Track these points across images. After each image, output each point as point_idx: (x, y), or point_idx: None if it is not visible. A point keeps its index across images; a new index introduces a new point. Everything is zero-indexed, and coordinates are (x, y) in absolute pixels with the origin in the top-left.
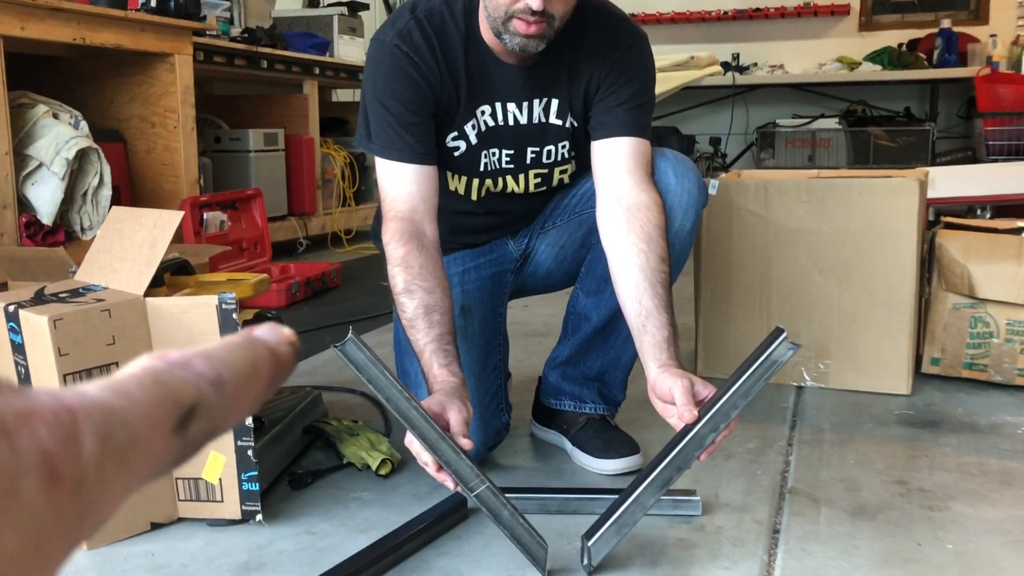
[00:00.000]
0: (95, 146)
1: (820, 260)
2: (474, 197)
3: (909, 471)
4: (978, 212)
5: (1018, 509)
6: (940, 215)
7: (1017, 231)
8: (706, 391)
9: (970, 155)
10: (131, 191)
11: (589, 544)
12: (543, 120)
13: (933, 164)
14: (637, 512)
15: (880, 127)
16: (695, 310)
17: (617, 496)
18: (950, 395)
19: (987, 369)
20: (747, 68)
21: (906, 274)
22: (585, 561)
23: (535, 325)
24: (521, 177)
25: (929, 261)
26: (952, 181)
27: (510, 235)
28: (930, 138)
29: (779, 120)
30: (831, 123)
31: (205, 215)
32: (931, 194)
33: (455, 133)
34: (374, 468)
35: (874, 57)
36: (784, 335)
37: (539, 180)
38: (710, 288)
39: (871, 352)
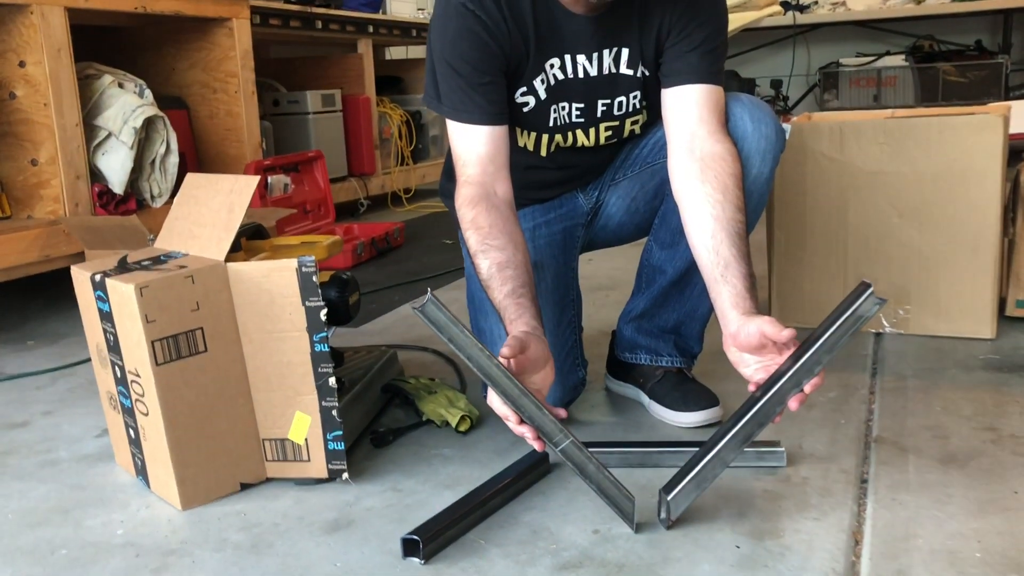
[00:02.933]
0: (161, 114)
1: (899, 203)
2: (543, 153)
3: (999, 417)
4: None
5: None
6: (1015, 152)
7: None
8: (792, 337)
9: None
10: (196, 157)
11: (668, 498)
12: (613, 71)
13: (1007, 99)
14: (718, 467)
15: (949, 62)
16: (768, 258)
17: (698, 449)
18: None
19: None
20: (807, 6)
21: (989, 214)
22: (663, 515)
23: (600, 279)
24: (592, 131)
25: (1013, 200)
26: None
27: (580, 188)
28: (1003, 71)
29: (842, 59)
30: (897, 60)
31: (269, 179)
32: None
33: (524, 89)
34: (453, 424)
35: None
36: (871, 290)
37: (610, 133)
38: (784, 235)
39: (953, 296)
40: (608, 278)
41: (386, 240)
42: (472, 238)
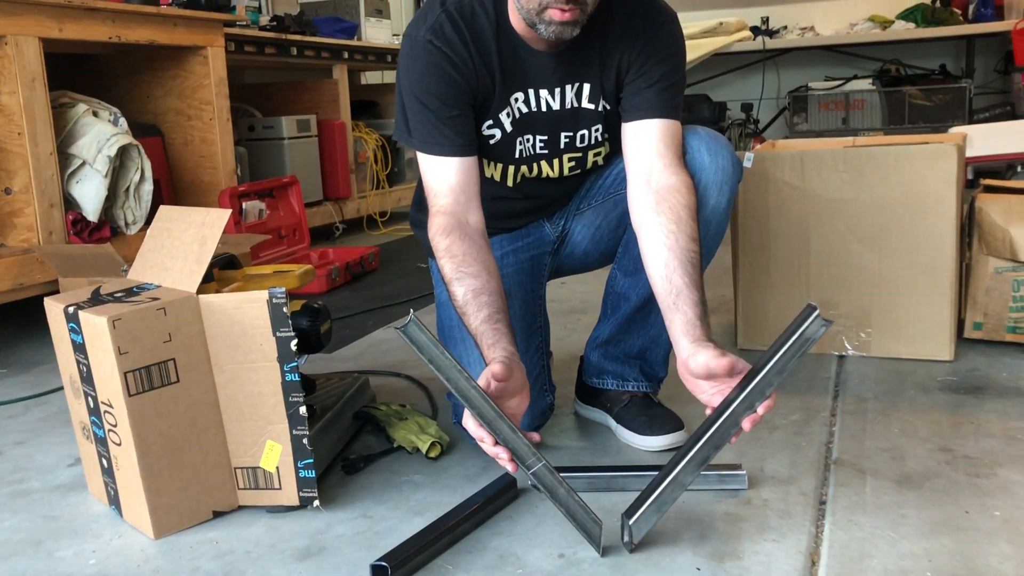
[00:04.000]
0: (135, 142)
1: (858, 229)
2: (510, 183)
3: (954, 438)
4: (1019, 169)
5: None
6: (979, 174)
7: None
8: (741, 366)
9: (1009, 111)
10: (171, 184)
11: (630, 523)
12: (576, 105)
13: (971, 122)
14: (677, 490)
15: (915, 86)
16: (734, 282)
17: (658, 473)
18: (993, 359)
19: None
20: (777, 31)
21: (946, 240)
22: (626, 539)
23: (573, 302)
24: (556, 162)
25: (969, 226)
26: (990, 138)
27: (546, 218)
28: (967, 95)
29: (811, 83)
30: (865, 84)
31: (244, 205)
32: (969, 152)
33: (490, 122)
34: (424, 451)
35: (907, 15)
36: (816, 312)
37: (573, 164)
38: (748, 260)
39: (912, 319)
40: (581, 301)
41: (361, 265)
42: (447, 266)
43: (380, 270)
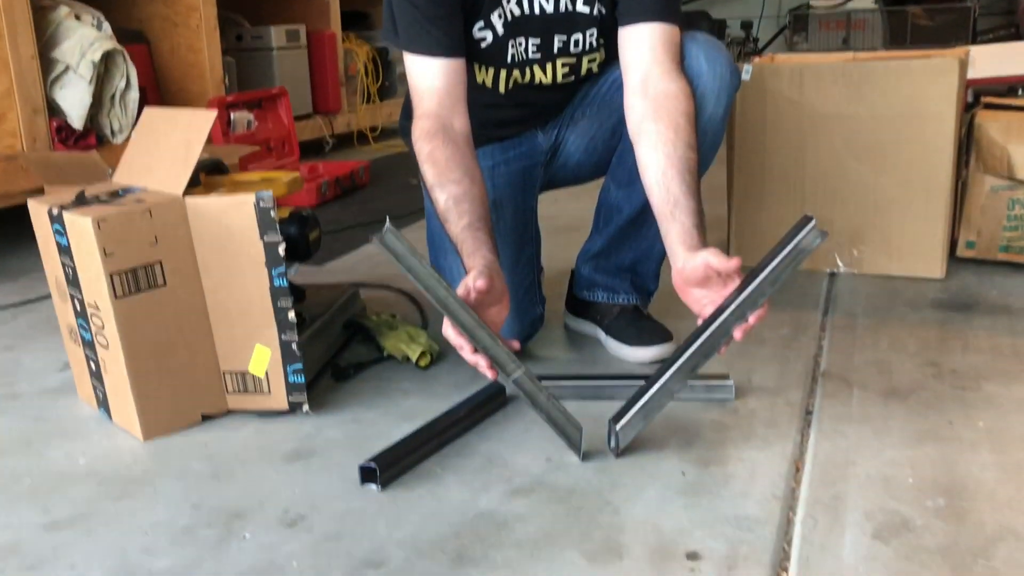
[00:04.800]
0: (120, 48)
1: (855, 145)
2: (502, 89)
3: (942, 353)
4: (1020, 92)
5: None
6: (978, 97)
7: None
8: (735, 266)
9: (1013, 32)
10: (157, 93)
11: (617, 428)
12: (570, 8)
13: (974, 43)
14: (664, 398)
15: (918, 5)
16: (728, 199)
17: (646, 381)
18: (984, 278)
19: (1023, 252)
20: None
21: (943, 157)
22: (612, 444)
23: (565, 219)
24: (549, 67)
25: (967, 143)
26: (993, 60)
27: (539, 127)
28: (971, 16)
29: (812, 1)
30: (867, 3)
31: (232, 115)
32: (971, 74)
33: (481, 23)
34: (414, 360)
35: None
36: (813, 223)
37: (567, 70)
38: (743, 176)
39: (906, 237)
40: (573, 218)
41: (351, 179)
42: (429, 172)
43: (371, 186)
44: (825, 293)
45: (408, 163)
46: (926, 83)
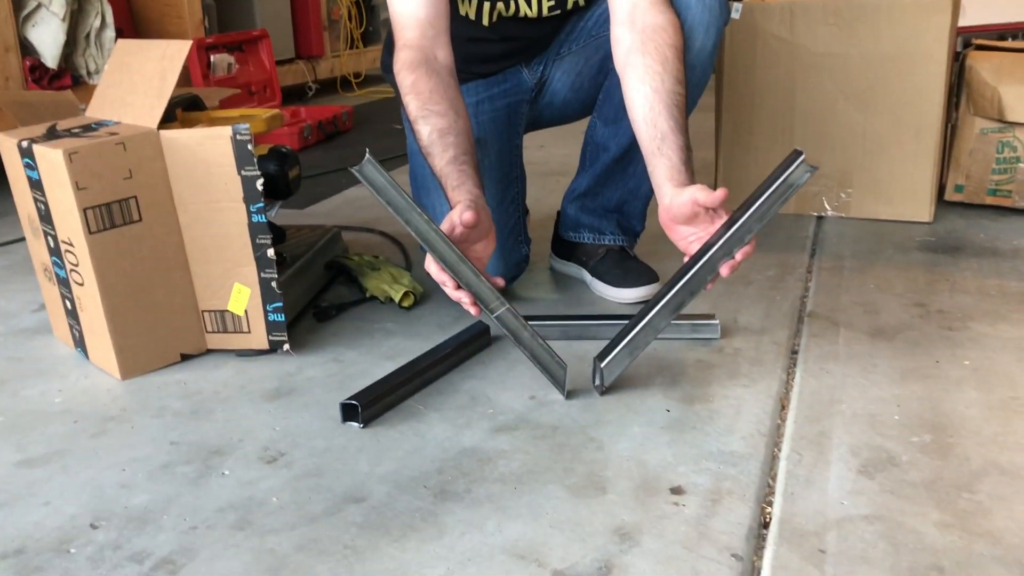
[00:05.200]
0: None
1: (846, 86)
2: (485, 22)
3: (929, 294)
4: (1010, 40)
5: None
6: (969, 43)
7: None
8: (723, 202)
9: None
10: (134, 33)
11: (602, 365)
12: None
13: None
14: (649, 335)
15: None
16: (715, 142)
17: (632, 318)
18: (972, 222)
19: (1011, 195)
20: None
21: (934, 98)
22: (597, 382)
23: (552, 164)
24: None
25: (958, 85)
26: (984, 7)
27: (524, 63)
28: None
29: None
30: None
31: (212, 57)
32: (961, 22)
33: None
34: (397, 300)
35: None
36: (802, 157)
37: (552, 2)
38: (732, 118)
39: (894, 180)
40: (560, 163)
41: (334, 123)
42: (412, 103)
43: (354, 131)
44: (812, 236)
45: (393, 108)
46: (918, 22)
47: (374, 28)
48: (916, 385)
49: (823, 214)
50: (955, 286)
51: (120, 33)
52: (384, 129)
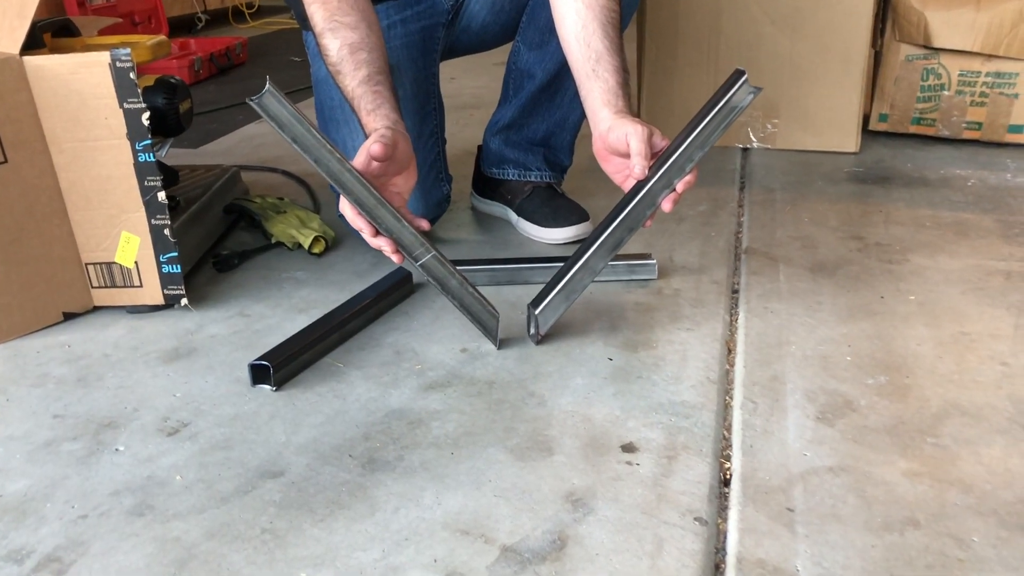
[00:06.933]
0: None
1: (772, 10)
2: None
3: (864, 227)
4: None
5: (974, 258)
6: None
7: None
8: (663, 143)
9: None
10: None
11: (536, 312)
12: None
13: None
14: (586, 277)
15: None
16: (638, 69)
17: (567, 261)
18: (898, 151)
19: (935, 124)
20: None
21: (861, 23)
22: (532, 330)
23: (465, 97)
24: None
25: (884, 10)
26: None
27: None
28: None
29: None
30: None
31: None
32: None
33: None
34: (306, 246)
35: None
36: (744, 77)
37: None
38: (655, 44)
39: (821, 109)
40: (473, 96)
41: (227, 56)
42: (318, 14)
43: (249, 64)
44: (740, 168)
45: (291, 41)
46: None
47: None
48: (864, 323)
49: (749, 146)
50: (889, 217)
51: None
52: (282, 61)
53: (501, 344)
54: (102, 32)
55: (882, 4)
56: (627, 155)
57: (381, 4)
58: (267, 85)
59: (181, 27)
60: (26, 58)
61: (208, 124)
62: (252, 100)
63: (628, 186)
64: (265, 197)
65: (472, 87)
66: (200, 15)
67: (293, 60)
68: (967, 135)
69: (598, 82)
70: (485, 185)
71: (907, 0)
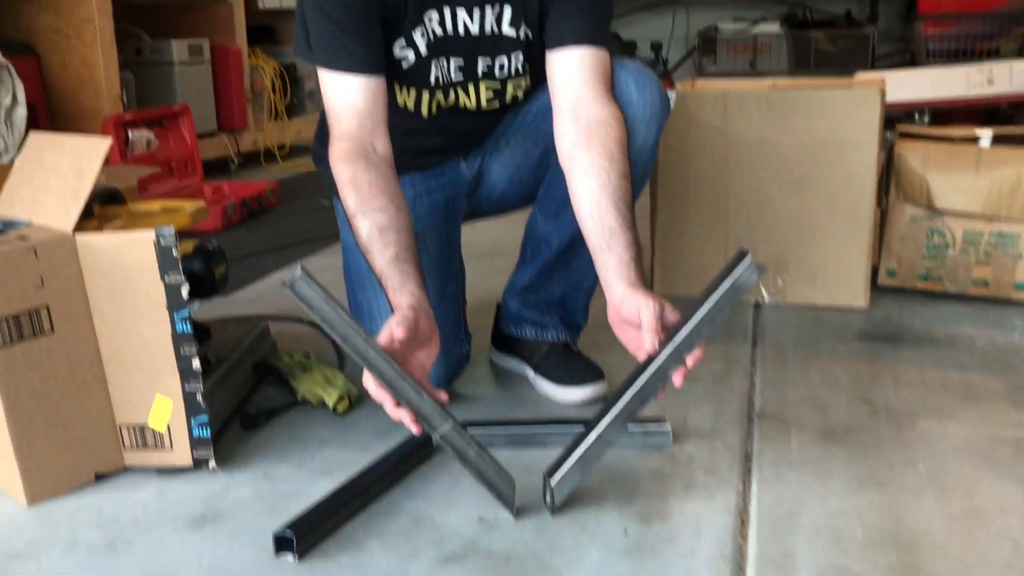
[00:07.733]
0: (5, 62)
1: (780, 173)
2: (424, 113)
3: (874, 388)
4: (916, 118)
5: (982, 425)
6: (892, 120)
7: (973, 140)
8: (674, 316)
9: (909, 58)
10: (48, 109)
11: (552, 483)
12: (496, 30)
13: (872, 68)
14: (601, 448)
15: (821, 30)
16: (651, 227)
17: (581, 429)
18: (907, 308)
19: (942, 280)
20: None
21: (866, 186)
22: (548, 500)
23: (485, 245)
24: (472, 89)
25: (887, 172)
26: (891, 86)
27: (462, 156)
28: (870, 42)
29: (720, 24)
30: (773, 27)
31: (130, 134)
32: None
33: (403, 41)
34: (331, 405)
35: None
36: (749, 257)
37: (491, 95)
38: (667, 204)
39: (830, 266)
40: (493, 244)
41: (258, 201)
42: (350, 198)
43: (280, 207)
44: (752, 325)
45: (319, 182)
46: (849, 113)
47: (298, 99)
48: (874, 494)
49: (761, 301)
50: (899, 379)
51: (32, 110)
52: (311, 205)
53: (518, 512)
54: (141, 181)
55: (886, 166)
56: (640, 327)
57: (409, 175)
58: (298, 270)
59: (215, 169)
60: (78, 236)
61: (238, 271)
62: (285, 285)
63: (641, 356)
64: (292, 354)
65: (492, 234)
66: (233, 157)
67: (322, 203)
68: (974, 292)
69: (612, 256)
70: (504, 342)
71: (909, 164)
